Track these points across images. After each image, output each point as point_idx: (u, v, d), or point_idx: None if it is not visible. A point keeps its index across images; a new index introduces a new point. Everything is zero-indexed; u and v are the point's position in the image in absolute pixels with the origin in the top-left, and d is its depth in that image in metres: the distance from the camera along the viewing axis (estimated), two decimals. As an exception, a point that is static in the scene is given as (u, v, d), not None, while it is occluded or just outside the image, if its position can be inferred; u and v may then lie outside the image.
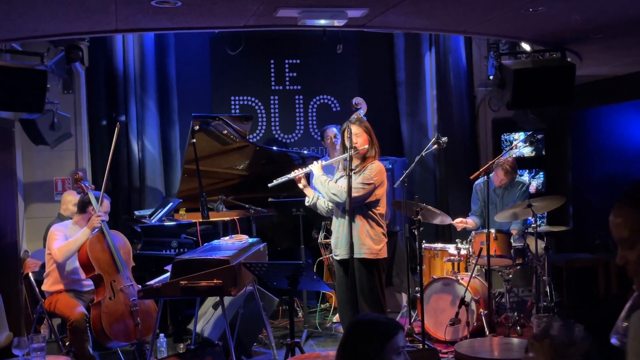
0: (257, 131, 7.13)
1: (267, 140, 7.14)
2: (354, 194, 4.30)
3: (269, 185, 4.54)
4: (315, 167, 4.56)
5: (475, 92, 7.22)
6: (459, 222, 5.70)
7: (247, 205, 5.93)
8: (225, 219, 5.58)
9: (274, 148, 6.42)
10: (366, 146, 4.45)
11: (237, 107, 7.07)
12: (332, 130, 6.35)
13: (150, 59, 6.53)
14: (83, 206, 4.82)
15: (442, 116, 7.13)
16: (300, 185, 4.58)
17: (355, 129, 4.45)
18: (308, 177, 4.86)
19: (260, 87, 7.16)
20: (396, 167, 6.44)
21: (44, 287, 4.83)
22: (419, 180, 7.09)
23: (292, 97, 7.21)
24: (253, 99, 7.11)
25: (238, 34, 6.66)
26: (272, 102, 7.14)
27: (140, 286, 4.21)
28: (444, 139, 5.22)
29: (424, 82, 7.21)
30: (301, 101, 7.19)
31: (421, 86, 7.24)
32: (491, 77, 5.36)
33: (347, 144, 4.38)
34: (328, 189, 4.42)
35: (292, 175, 4.53)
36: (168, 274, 4.07)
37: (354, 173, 4.40)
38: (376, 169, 4.45)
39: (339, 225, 4.50)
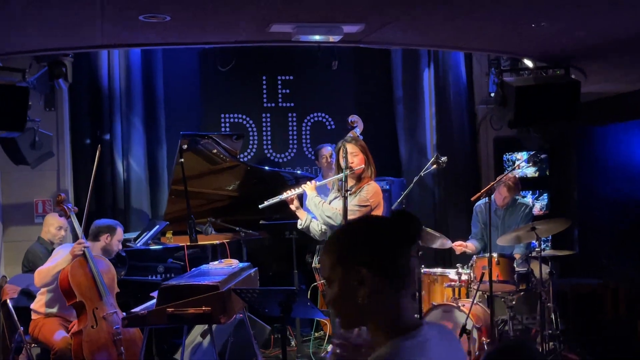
0: (248, 150, 7.15)
1: (259, 160, 7.16)
2: (350, 217, 4.29)
3: (260, 206, 4.58)
4: (309, 188, 4.59)
5: (476, 110, 7.27)
6: (459, 246, 5.69)
7: (237, 228, 5.91)
8: (215, 242, 5.59)
9: (266, 168, 6.45)
10: (362, 166, 4.47)
11: (228, 125, 7.10)
12: (327, 150, 6.37)
13: (137, 74, 6.54)
14: (96, 234, 4.86)
15: (442, 135, 7.16)
16: (293, 207, 4.59)
17: (350, 148, 4.47)
18: (301, 198, 4.92)
19: (252, 104, 7.21)
20: (393, 188, 6.46)
21: (33, 306, 4.80)
22: (418, 202, 7.11)
23: (284, 115, 7.26)
24: (244, 116, 7.13)
25: (229, 48, 6.66)
26: (264, 119, 7.17)
27: (124, 313, 4.18)
28: (444, 158, 5.24)
29: (422, 100, 7.23)
30: (294, 119, 7.24)
31: (420, 103, 7.26)
32: (492, 94, 5.39)
33: (343, 163, 4.40)
34: (322, 211, 4.44)
35: (284, 196, 4.56)
36: (154, 301, 4.06)
37: (350, 194, 4.41)
38: (372, 190, 4.47)
39: None
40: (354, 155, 4.44)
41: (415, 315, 5.30)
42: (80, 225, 4.63)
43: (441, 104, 7.16)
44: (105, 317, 4.49)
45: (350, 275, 1.65)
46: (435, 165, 5.21)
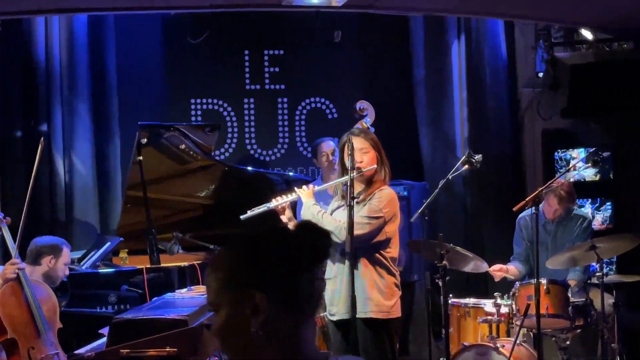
0: (227, 145, 7.20)
1: (240, 158, 7.18)
2: (357, 231, 4.29)
3: (242, 217, 4.56)
4: (304, 194, 4.57)
5: (519, 95, 7.31)
6: (498, 270, 5.67)
7: (212, 246, 5.93)
8: (182, 264, 5.59)
9: (249, 168, 6.49)
10: (374, 166, 4.47)
11: (200, 113, 7.15)
12: (328, 145, 6.42)
13: (82, 49, 6.53)
14: (37, 256, 4.87)
15: (475, 126, 7.19)
16: (284, 219, 4.57)
17: (359, 143, 4.46)
18: (295, 207, 4.91)
19: (231, 86, 7.24)
20: (413, 194, 6.48)
21: None
22: (445, 213, 7.13)
23: (273, 100, 7.28)
24: (221, 102, 7.17)
25: (201, 15, 6.66)
26: (246, 106, 7.20)
27: (67, 355, 4.15)
28: (478, 157, 5.25)
29: (450, 82, 7.25)
30: (285, 106, 7.26)
31: (447, 87, 7.28)
32: (540, 75, 5.41)
33: (348, 163, 4.38)
34: (322, 224, 4.39)
35: (272, 204, 4.54)
36: (104, 340, 4.03)
37: (357, 203, 4.40)
38: (387, 197, 4.47)
39: (336, 274, 4.48)
40: (363, 153, 4.43)
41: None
42: (15, 241, 4.55)
43: (474, 86, 7.19)
44: (43, 359, 4.43)
45: (241, 301, 1.68)
46: (466, 166, 5.22)
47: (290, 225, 4.70)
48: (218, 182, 6.17)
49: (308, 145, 7.18)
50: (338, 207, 4.66)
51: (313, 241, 1.69)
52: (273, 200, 4.58)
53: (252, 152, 7.22)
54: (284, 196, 4.62)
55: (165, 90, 7.09)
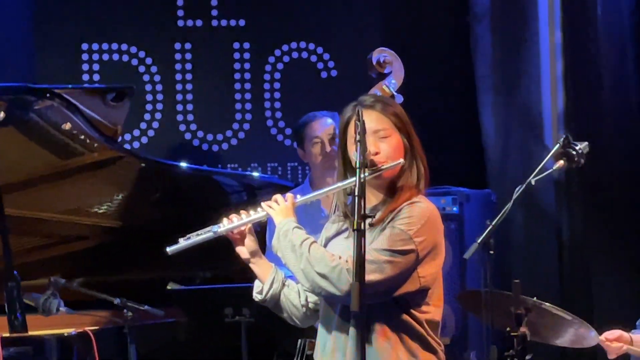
0: (144, 125, 7.49)
1: (169, 147, 7.48)
2: (370, 276, 4.11)
3: (168, 250, 4.46)
4: (278, 210, 4.44)
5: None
6: (615, 339, 5.62)
7: (117, 300, 5.88)
8: (66, 332, 5.61)
9: (183, 165, 6.54)
10: (399, 161, 4.35)
11: (97, 68, 7.38)
12: (323, 126, 6.55)
13: None
14: None
15: (577, 96, 7.22)
16: (244, 253, 4.49)
17: (375, 121, 4.36)
18: (263, 231, 5.06)
19: (152, 23, 7.34)
20: (468, 210, 6.65)
21: None
22: (524, 244, 7.15)
23: (226, 46, 7.59)
24: (134, 49, 7.46)
25: None
26: (178, 57, 7.48)
27: None
28: (581, 146, 5.12)
29: (533, 18, 7.36)
30: (247, 56, 7.54)
31: (527, 27, 7.39)
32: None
33: (356, 156, 4.22)
34: (308, 259, 4.31)
35: (222, 228, 4.41)
36: None
37: (371, 225, 4.33)
38: (421, 216, 4.33)
39: (333, 348, 4.36)
40: (381, 138, 4.30)
41: None
42: None
43: (575, 25, 7.19)
44: None
45: None
46: (561, 162, 5.07)
47: (253, 266, 4.59)
48: (129, 188, 6.28)
49: (287, 126, 7.40)
50: (337, 234, 4.52)
51: None
52: (224, 220, 4.45)
53: (188, 136, 7.42)
54: (243, 213, 4.49)
55: (34, 30, 7.18)
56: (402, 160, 4.39)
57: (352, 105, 4.41)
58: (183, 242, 4.45)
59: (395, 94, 4.88)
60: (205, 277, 6.43)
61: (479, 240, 5.36)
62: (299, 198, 4.56)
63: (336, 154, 5.28)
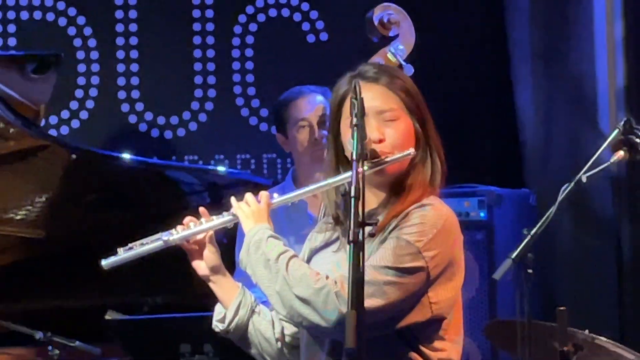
0: (75, 105, 7.84)
1: (108, 134, 7.79)
2: (369, 301, 4.11)
3: (104, 263, 4.51)
4: (249, 213, 4.56)
5: None
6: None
7: (39, 334, 6.18)
8: None
9: (126, 156, 6.70)
10: (409, 151, 4.46)
11: (12, 30, 7.81)
12: (311, 104, 6.71)
13: None
14: None
15: None
16: (200, 267, 4.57)
17: (378, 98, 4.44)
18: (232, 243, 5.07)
19: None
20: (499, 216, 6.87)
21: None
22: (571, 257, 7.44)
23: (181, 3, 7.79)
24: (61, 5, 7.85)
25: None
26: (119, 15, 7.89)
27: None
28: (649, 134, 5.01)
29: None
30: (210, 14, 7.96)
31: None
32: None
33: (350, 144, 4.26)
34: (285, 279, 4.38)
35: (175, 236, 4.50)
36: None
37: (371, 235, 4.24)
38: (434, 222, 4.38)
39: None
40: (385, 121, 4.42)
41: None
42: None
43: None
44: None
45: None
46: (621, 153, 5.17)
47: (214, 285, 4.66)
48: (56, 188, 6.42)
49: (262, 105, 7.73)
50: (325, 246, 4.58)
51: None
52: (177, 226, 4.51)
53: (133, 119, 7.72)
54: (203, 218, 4.53)
55: None
56: (412, 150, 4.45)
57: (348, 77, 4.47)
58: (123, 254, 4.53)
59: (403, 63, 4.87)
60: (155, 303, 6.44)
61: (513, 256, 5.16)
62: (277, 198, 4.67)
63: (325, 141, 5.41)
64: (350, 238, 4.11)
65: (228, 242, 5.16)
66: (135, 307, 6.49)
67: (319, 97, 6.36)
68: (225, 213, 4.52)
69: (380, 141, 4.38)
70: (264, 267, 4.41)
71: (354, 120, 4.24)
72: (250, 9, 7.35)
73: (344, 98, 4.42)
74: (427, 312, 4.34)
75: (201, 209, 4.60)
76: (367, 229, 4.18)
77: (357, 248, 4.12)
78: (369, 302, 4.15)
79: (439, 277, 4.37)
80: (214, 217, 4.54)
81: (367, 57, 4.70)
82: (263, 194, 4.54)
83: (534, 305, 5.19)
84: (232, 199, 4.53)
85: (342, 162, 4.47)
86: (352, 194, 4.18)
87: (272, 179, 6.79)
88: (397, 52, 4.79)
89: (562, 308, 4.95)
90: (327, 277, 4.33)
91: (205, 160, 7.33)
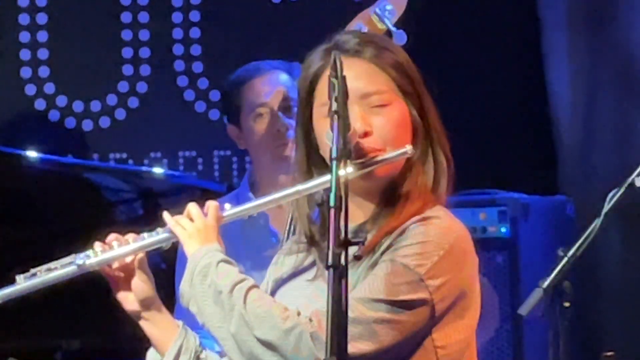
0: None
1: (9, 123, 7.99)
2: (355, 347, 4.19)
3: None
4: (192, 231, 4.67)
5: None
6: None
7: None
8: None
9: (32, 154, 6.88)
10: (406, 148, 4.57)
11: None
12: (275, 82, 6.85)
13: None
14: None
15: None
16: (127, 300, 4.65)
17: (364, 76, 4.50)
18: (172, 269, 4.77)
19: None
20: (526, 230, 6.90)
21: None
22: (620, 284, 7.32)
23: None
24: None
25: None
26: None
27: None
28: None
29: None
30: None
31: None
32: None
33: (328, 136, 4.40)
34: (243, 317, 4.57)
35: (94, 259, 4.55)
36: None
37: (356, 258, 4.39)
38: (439, 241, 4.54)
39: None
40: (373, 107, 4.57)
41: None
42: None
43: None
44: None
45: None
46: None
47: (146, 323, 4.74)
48: None
49: (212, 86, 7.79)
50: (295, 274, 4.61)
51: None
52: (96, 246, 4.48)
53: (41, 105, 7.66)
54: (129, 236, 4.51)
55: None
56: (409, 147, 4.51)
57: (323, 49, 4.45)
58: (24, 283, 4.52)
59: (393, 29, 4.82)
60: (70, 350, 6.41)
61: (544, 285, 5.38)
62: (229, 210, 4.66)
63: (295, 134, 5.44)
64: (330, 262, 4.10)
65: (167, 268, 5.00)
66: (46, 354, 6.36)
67: (282, 75, 6.22)
68: (160, 229, 4.28)
69: (367, 134, 4.34)
70: (213, 302, 4.39)
71: (334, 106, 4.15)
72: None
73: (318, 77, 4.32)
74: (432, 358, 4.35)
75: (130, 232, 4.51)
76: (352, 249, 4.15)
77: (339, 275, 4.13)
78: (355, 347, 4.19)
79: (447, 314, 4.33)
80: (146, 234, 4.28)
81: (346, 22, 4.61)
82: (211, 204, 4.33)
83: (572, 349, 5.17)
84: (165, 214, 4.35)
85: (315, 162, 4.41)
86: (332, 204, 4.16)
87: (225, 184, 6.73)
88: (384, 14, 4.69)
89: (609, 354, 4.93)
90: (298, 314, 4.33)
91: (136, 159, 7.26)
